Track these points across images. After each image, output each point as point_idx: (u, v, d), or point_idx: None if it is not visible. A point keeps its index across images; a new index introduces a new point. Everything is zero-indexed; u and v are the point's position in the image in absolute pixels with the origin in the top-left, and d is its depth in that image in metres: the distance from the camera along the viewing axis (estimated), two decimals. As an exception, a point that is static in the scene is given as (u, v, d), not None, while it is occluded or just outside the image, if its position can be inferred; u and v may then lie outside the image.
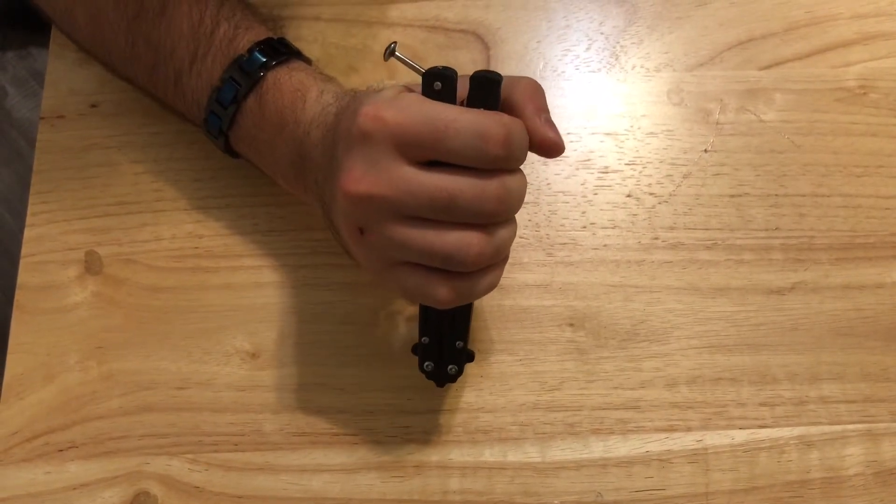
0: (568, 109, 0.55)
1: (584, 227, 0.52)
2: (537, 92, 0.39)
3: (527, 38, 0.57)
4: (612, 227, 0.52)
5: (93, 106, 0.54)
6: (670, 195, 0.53)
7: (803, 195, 0.53)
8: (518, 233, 0.51)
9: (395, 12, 0.57)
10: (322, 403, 0.48)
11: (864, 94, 0.55)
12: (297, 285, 0.50)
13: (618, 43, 0.57)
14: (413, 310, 0.49)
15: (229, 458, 0.47)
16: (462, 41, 0.56)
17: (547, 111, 0.39)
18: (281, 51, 0.46)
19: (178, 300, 0.50)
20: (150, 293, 0.50)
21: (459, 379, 0.46)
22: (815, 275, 0.51)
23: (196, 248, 0.51)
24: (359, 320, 0.49)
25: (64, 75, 0.55)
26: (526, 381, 0.48)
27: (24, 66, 0.68)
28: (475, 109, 0.37)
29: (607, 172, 0.53)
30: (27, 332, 0.49)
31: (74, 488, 0.46)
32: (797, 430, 0.48)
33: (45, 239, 0.51)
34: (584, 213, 0.52)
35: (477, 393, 0.48)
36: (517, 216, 0.39)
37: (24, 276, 0.50)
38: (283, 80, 0.45)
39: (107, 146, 0.53)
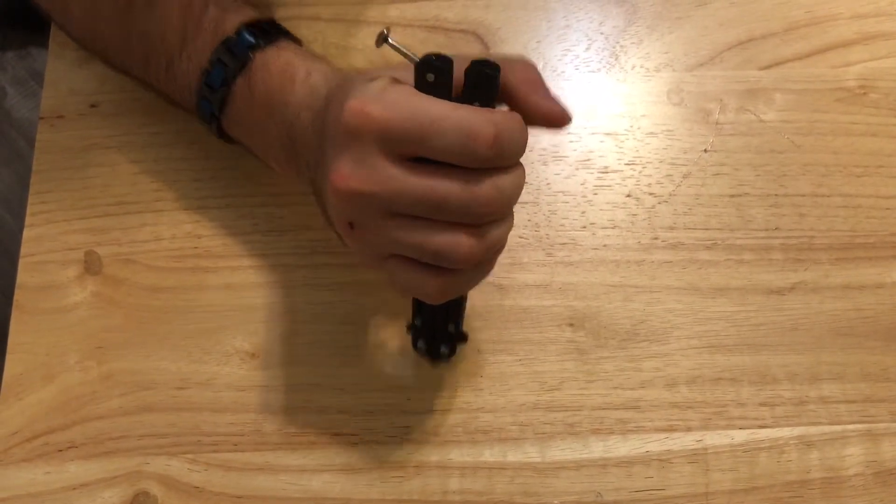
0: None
1: (584, 227, 0.52)
2: (532, 72, 0.38)
3: (527, 38, 0.57)
4: (612, 227, 0.52)
5: (92, 106, 0.54)
6: (670, 195, 0.53)
7: (803, 195, 0.53)
8: (518, 233, 0.51)
9: (395, 12, 0.57)
10: (322, 403, 0.48)
11: (864, 94, 0.55)
12: (297, 285, 0.50)
13: (618, 43, 0.57)
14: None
15: (229, 458, 0.47)
16: (462, 41, 0.56)
17: (544, 86, 0.38)
18: (270, 31, 0.46)
19: (177, 300, 0.50)
20: (149, 293, 0.50)
21: (459, 379, 0.46)
22: (815, 275, 0.51)
23: (196, 248, 0.51)
24: (359, 320, 0.49)
25: (63, 75, 0.55)
26: (526, 381, 0.48)
27: (23, 66, 0.68)
28: (466, 106, 0.35)
29: (607, 172, 0.53)
30: (27, 332, 0.49)
31: (74, 488, 0.46)
32: (797, 430, 0.48)
33: (45, 239, 0.51)
34: (583, 213, 0.52)
35: (476, 393, 0.48)
36: (516, 215, 0.38)
37: (23, 276, 0.50)
38: (272, 60, 0.44)
39: (106, 146, 0.53)
